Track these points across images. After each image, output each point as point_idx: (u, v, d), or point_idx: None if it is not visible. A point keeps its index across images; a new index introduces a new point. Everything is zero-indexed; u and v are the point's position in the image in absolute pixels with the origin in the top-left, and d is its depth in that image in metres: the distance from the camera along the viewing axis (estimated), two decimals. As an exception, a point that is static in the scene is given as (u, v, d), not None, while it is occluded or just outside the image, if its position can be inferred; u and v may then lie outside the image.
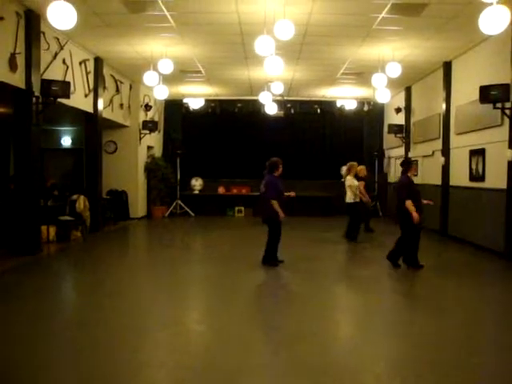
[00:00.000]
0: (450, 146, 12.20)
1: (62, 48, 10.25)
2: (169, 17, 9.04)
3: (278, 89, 12.52)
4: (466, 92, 11.18)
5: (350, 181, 11.24)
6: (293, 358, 4.50)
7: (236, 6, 8.53)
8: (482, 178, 10.42)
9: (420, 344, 4.89)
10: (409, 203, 7.93)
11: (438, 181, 12.70)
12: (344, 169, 17.82)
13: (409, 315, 5.94)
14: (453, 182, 12.05)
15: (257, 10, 8.56)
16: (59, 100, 9.55)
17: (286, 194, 8.59)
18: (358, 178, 11.77)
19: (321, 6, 8.46)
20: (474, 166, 10.80)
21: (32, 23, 8.84)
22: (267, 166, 8.52)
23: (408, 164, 8.45)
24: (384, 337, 5.22)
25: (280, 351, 4.69)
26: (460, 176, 11.53)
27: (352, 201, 11.20)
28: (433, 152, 13.39)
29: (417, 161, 8.40)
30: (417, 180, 14.56)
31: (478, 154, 10.60)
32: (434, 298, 6.85)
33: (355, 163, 11.55)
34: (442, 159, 12.35)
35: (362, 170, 12.38)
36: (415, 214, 7.90)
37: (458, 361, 4.48)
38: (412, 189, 8.18)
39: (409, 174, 8.32)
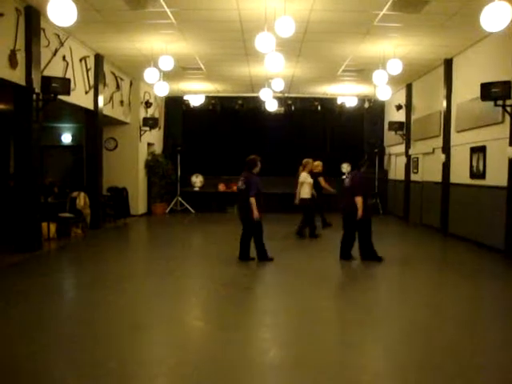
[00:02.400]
0: (450, 144, 12.19)
1: (62, 44, 10.23)
2: (169, 13, 9.02)
3: (279, 86, 12.49)
4: (466, 89, 11.16)
5: (303, 177, 11.22)
6: (292, 354, 4.51)
7: (237, 3, 8.51)
8: (482, 176, 10.41)
9: (418, 341, 4.90)
10: (359, 200, 8.19)
11: (438, 178, 12.69)
12: (345, 166, 17.97)
13: (404, 310, 5.94)
14: (453, 179, 12.04)
15: (257, 6, 8.54)
16: (59, 97, 9.53)
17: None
18: (313, 173, 11.94)
19: (322, 2, 8.44)
20: (474, 164, 10.79)
21: (32, 20, 8.82)
22: (246, 163, 8.54)
23: (364, 161, 8.67)
24: (387, 332, 5.23)
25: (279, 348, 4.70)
26: (460, 173, 11.51)
27: (306, 196, 11.19)
28: (433, 149, 13.38)
29: (367, 159, 8.70)
30: (417, 177, 14.68)
31: (478, 151, 10.59)
32: (433, 295, 6.86)
33: (310, 160, 11.58)
34: (443, 156, 12.34)
35: (317, 165, 12.56)
36: (361, 212, 8.20)
37: (456, 356, 4.49)
38: (366, 186, 8.45)
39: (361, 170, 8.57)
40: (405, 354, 4.63)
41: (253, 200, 8.18)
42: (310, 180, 11.23)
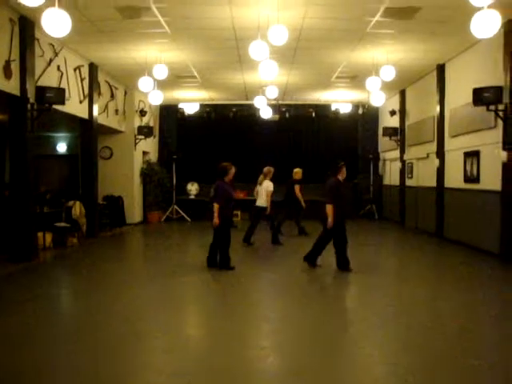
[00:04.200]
0: (444, 149, 12.26)
1: (56, 54, 10.26)
2: (163, 22, 9.07)
3: (273, 93, 12.55)
4: (459, 94, 11.24)
5: (266, 185, 11.12)
6: (293, 361, 4.52)
7: (230, 11, 8.57)
8: (476, 180, 10.48)
9: (420, 349, 4.92)
10: (329, 208, 8.02)
11: (432, 183, 12.76)
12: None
13: (399, 314, 5.96)
14: (448, 184, 12.11)
15: (251, 15, 8.60)
16: (54, 106, 9.55)
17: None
18: (292, 181, 12.12)
19: (314, 10, 8.51)
20: (468, 168, 10.86)
21: (26, 30, 8.85)
22: (217, 170, 8.55)
23: (337, 167, 8.37)
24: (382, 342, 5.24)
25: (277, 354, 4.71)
26: (455, 178, 11.58)
27: (263, 205, 11.07)
28: (427, 154, 13.45)
29: (344, 163, 8.49)
30: (412, 182, 14.75)
31: (472, 155, 10.66)
32: (429, 299, 6.89)
33: (272, 169, 11.38)
34: (437, 161, 12.41)
35: (297, 173, 12.57)
36: (331, 220, 8.02)
37: (454, 361, 4.51)
38: (339, 192, 8.21)
39: (339, 177, 8.33)
40: (402, 358, 4.64)
41: (216, 207, 8.15)
42: (270, 189, 11.10)
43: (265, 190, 11.07)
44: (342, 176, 8.35)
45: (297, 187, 12.33)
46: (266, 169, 11.42)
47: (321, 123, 18.71)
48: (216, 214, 8.17)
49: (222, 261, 8.45)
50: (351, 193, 16.58)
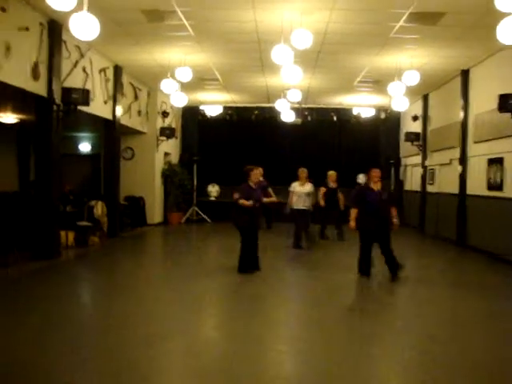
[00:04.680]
0: (467, 155, 12.12)
1: (82, 56, 10.43)
2: (187, 26, 9.16)
3: (295, 96, 12.56)
4: (484, 100, 11.11)
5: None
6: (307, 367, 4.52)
7: (254, 15, 8.61)
8: (500, 187, 10.34)
9: (438, 356, 4.88)
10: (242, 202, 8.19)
11: (455, 189, 12.61)
12: (361, 176, 17.94)
13: (422, 325, 5.91)
14: (470, 190, 11.96)
15: (274, 18, 8.63)
16: (79, 107, 9.71)
17: (266, 199, 9.10)
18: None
19: (338, 15, 8.50)
20: (492, 175, 10.72)
21: (55, 33, 9.04)
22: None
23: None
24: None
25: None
26: (478, 185, 11.43)
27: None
28: (450, 160, 13.31)
29: (372, 167, 8.53)
30: (433, 188, 14.59)
31: (496, 162, 10.52)
32: (451, 311, 6.82)
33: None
34: (460, 168, 12.27)
35: (331, 175, 12.77)
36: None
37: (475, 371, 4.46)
38: (363, 198, 8.22)
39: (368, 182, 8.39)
40: (424, 368, 4.60)
41: (241, 202, 8.25)
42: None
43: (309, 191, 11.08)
44: (370, 181, 8.32)
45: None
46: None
47: (342, 127, 18.64)
48: (243, 203, 8.23)
49: (239, 262, 8.47)
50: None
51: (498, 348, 5.20)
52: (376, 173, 8.25)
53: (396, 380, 4.43)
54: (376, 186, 8.21)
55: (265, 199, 9.54)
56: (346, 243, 11.85)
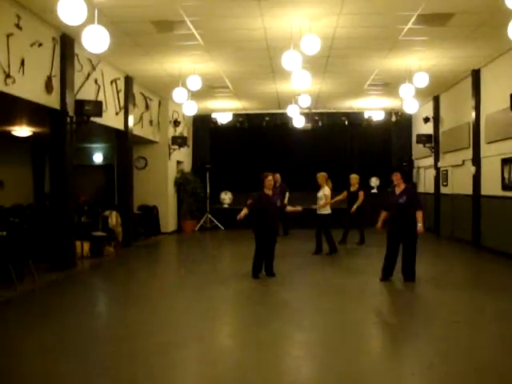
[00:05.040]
0: (480, 155, 12.04)
1: (94, 68, 10.57)
2: (197, 35, 9.24)
3: (306, 102, 12.59)
4: (496, 100, 11.04)
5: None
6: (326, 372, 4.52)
7: (262, 22, 8.67)
8: (514, 187, 10.25)
9: (454, 359, 4.85)
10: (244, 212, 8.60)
11: (468, 190, 12.52)
12: (373, 180, 17.87)
13: (437, 327, 5.88)
14: (484, 191, 11.86)
15: (283, 25, 8.68)
16: (92, 119, 9.83)
17: (290, 208, 9.33)
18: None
19: (346, 19, 8.53)
20: (506, 175, 10.63)
21: (67, 47, 9.17)
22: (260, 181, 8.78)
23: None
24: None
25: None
26: (492, 185, 11.34)
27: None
28: (463, 161, 13.23)
29: (395, 170, 8.53)
30: (447, 190, 14.50)
31: (510, 162, 10.43)
32: (467, 312, 6.77)
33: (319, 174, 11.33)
34: (473, 168, 12.18)
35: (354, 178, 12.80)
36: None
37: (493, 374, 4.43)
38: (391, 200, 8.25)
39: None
40: (443, 370, 4.58)
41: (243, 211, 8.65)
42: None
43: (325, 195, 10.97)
44: (394, 183, 8.34)
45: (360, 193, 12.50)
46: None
47: (354, 131, 18.62)
48: (241, 215, 8.61)
49: (253, 268, 8.58)
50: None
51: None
52: (394, 176, 8.25)
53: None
54: (399, 188, 8.19)
55: (289, 208, 9.58)
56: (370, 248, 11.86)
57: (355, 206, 12.34)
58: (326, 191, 10.98)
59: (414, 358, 4.94)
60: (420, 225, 7.84)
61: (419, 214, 7.90)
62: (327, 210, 10.97)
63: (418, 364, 4.77)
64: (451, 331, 5.67)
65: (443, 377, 4.37)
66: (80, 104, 9.51)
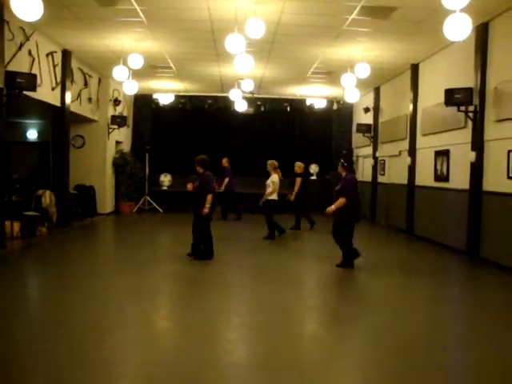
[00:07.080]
0: (416, 147, 12.46)
1: (27, 39, 10.02)
2: (139, 11, 8.96)
3: (248, 86, 12.55)
4: (432, 94, 11.43)
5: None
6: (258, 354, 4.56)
7: (207, 3, 8.52)
8: (446, 179, 10.69)
9: (382, 343, 5.02)
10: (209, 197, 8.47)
11: (404, 180, 12.95)
12: (313, 167, 18.14)
13: (367, 312, 6.07)
14: (418, 181, 12.31)
15: (228, 7, 8.57)
16: (25, 92, 9.34)
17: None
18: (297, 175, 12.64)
19: (291, 5, 8.52)
20: (438, 167, 11.06)
21: (-4, 12, 8.62)
22: (204, 162, 8.78)
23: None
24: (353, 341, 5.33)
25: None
26: (425, 176, 11.78)
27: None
28: (399, 152, 13.65)
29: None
30: (384, 179, 14.94)
31: (442, 154, 10.86)
32: (397, 297, 7.02)
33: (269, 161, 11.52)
34: (409, 159, 12.60)
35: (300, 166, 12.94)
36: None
37: (418, 357, 4.62)
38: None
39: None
40: (370, 354, 4.73)
41: (210, 197, 8.50)
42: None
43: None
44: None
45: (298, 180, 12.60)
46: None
47: (296, 118, 18.79)
48: (208, 205, 8.41)
49: (193, 249, 8.62)
50: (323, 188, 16.81)
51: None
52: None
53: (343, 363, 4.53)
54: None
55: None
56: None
57: (294, 194, 12.52)
58: (273, 178, 11.16)
59: (346, 341, 5.08)
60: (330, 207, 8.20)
61: (341, 201, 8.14)
62: (273, 196, 11.15)
63: (348, 346, 4.91)
64: (382, 315, 5.87)
65: (373, 359, 4.52)
66: (11, 75, 8.97)
